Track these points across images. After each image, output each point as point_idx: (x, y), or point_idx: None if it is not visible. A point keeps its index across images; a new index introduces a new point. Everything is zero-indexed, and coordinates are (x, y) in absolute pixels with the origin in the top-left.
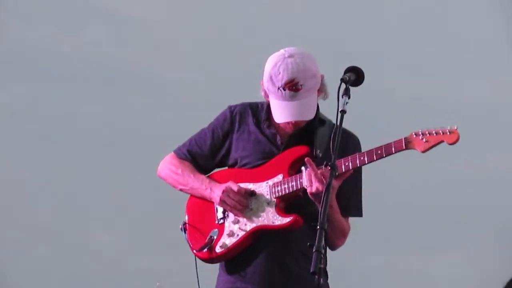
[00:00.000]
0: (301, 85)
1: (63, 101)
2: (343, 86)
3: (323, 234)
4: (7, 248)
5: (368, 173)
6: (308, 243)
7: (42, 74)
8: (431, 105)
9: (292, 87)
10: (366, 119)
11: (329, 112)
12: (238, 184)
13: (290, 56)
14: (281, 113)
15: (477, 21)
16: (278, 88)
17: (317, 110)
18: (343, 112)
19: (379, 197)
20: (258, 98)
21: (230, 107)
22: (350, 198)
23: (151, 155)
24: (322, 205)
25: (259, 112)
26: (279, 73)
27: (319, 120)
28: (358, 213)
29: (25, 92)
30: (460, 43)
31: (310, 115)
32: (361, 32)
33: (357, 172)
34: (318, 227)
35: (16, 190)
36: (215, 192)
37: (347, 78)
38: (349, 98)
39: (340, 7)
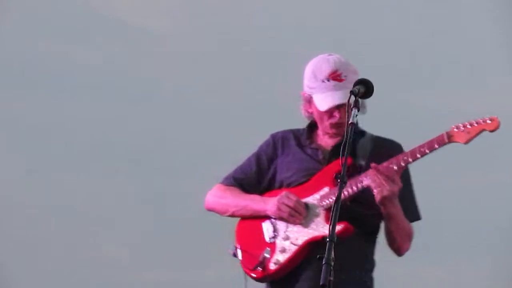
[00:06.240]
0: (344, 76)
1: (75, 110)
2: (353, 98)
3: (333, 246)
4: (17, 262)
5: None
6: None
7: (53, 84)
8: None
9: (336, 77)
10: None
11: None
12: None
13: (330, 55)
14: (326, 100)
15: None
16: (322, 81)
17: (356, 122)
18: (353, 124)
19: None
20: (266, 107)
21: (272, 134)
22: (407, 203)
23: (164, 166)
24: (331, 218)
25: (300, 135)
26: (322, 66)
27: (358, 132)
28: (417, 216)
29: (39, 103)
30: (464, 55)
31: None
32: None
33: (407, 176)
34: (328, 239)
35: (27, 202)
36: (270, 203)
37: (357, 91)
38: (358, 110)
39: (349, 27)
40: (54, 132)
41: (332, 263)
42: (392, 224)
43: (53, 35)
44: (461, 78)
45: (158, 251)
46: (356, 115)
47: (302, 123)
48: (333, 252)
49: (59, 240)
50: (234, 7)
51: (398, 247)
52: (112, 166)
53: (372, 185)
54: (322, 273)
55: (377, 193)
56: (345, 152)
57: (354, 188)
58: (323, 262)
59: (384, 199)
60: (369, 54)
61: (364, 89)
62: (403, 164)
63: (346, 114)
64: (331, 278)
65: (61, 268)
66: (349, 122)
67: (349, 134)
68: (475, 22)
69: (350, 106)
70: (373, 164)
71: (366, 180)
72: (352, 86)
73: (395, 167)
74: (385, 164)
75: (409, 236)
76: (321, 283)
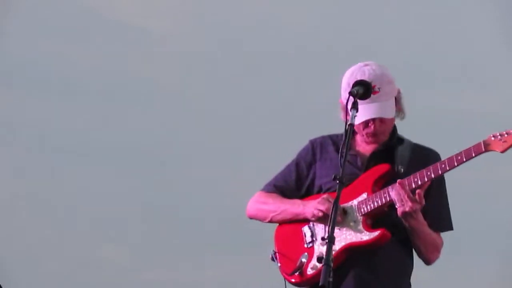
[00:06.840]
0: (378, 88)
1: (75, 111)
2: (351, 99)
3: (331, 247)
4: (15, 265)
5: None
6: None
7: (53, 84)
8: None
9: None
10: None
11: (338, 124)
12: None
13: (366, 65)
14: (360, 113)
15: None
16: None
17: (395, 129)
18: (352, 125)
19: None
20: (266, 107)
21: (310, 140)
22: (440, 214)
23: (165, 166)
24: (330, 218)
25: (338, 140)
26: (357, 78)
27: (397, 139)
28: (449, 226)
29: (39, 103)
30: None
31: (389, 114)
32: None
33: (442, 186)
34: (326, 241)
35: (27, 202)
36: (309, 205)
37: (356, 92)
38: (357, 111)
39: (356, 30)
40: (54, 132)
41: (332, 264)
42: (415, 237)
43: (53, 35)
44: (461, 78)
45: (158, 251)
46: (355, 116)
47: (302, 123)
48: (332, 254)
49: (59, 240)
50: (234, 7)
51: (424, 257)
52: (112, 166)
53: (396, 198)
54: (322, 274)
55: (398, 207)
56: (345, 153)
57: (383, 199)
58: (323, 263)
59: (405, 214)
60: (369, 54)
61: (362, 90)
62: (440, 172)
63: (346, 115)
64: (330, 279)
65: (61, 268)
66: (348, 123)
67: (348, 135)
68: (475, 22)
69: (349, 107)
70: (399, 181)
71: (392, 193)
72: (386, 98)
73: (432, 175)
74: (423, 171)
75: (436, 247)
76: (320, 284)
